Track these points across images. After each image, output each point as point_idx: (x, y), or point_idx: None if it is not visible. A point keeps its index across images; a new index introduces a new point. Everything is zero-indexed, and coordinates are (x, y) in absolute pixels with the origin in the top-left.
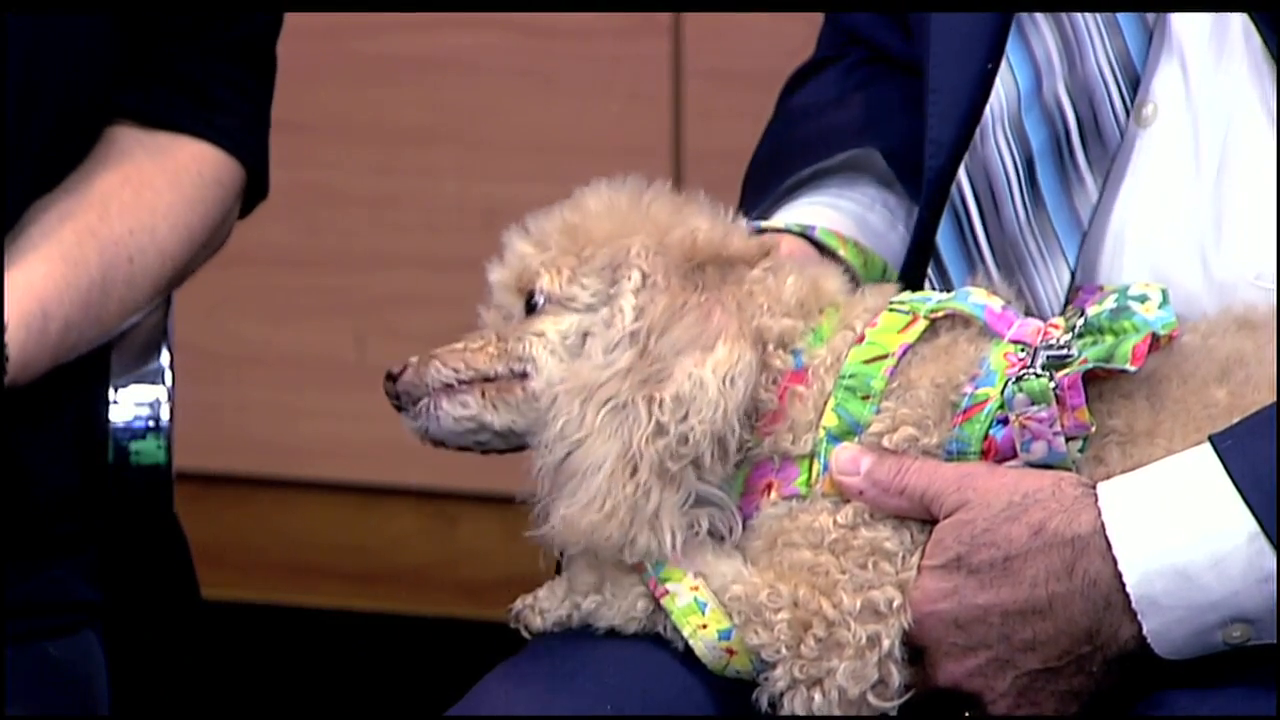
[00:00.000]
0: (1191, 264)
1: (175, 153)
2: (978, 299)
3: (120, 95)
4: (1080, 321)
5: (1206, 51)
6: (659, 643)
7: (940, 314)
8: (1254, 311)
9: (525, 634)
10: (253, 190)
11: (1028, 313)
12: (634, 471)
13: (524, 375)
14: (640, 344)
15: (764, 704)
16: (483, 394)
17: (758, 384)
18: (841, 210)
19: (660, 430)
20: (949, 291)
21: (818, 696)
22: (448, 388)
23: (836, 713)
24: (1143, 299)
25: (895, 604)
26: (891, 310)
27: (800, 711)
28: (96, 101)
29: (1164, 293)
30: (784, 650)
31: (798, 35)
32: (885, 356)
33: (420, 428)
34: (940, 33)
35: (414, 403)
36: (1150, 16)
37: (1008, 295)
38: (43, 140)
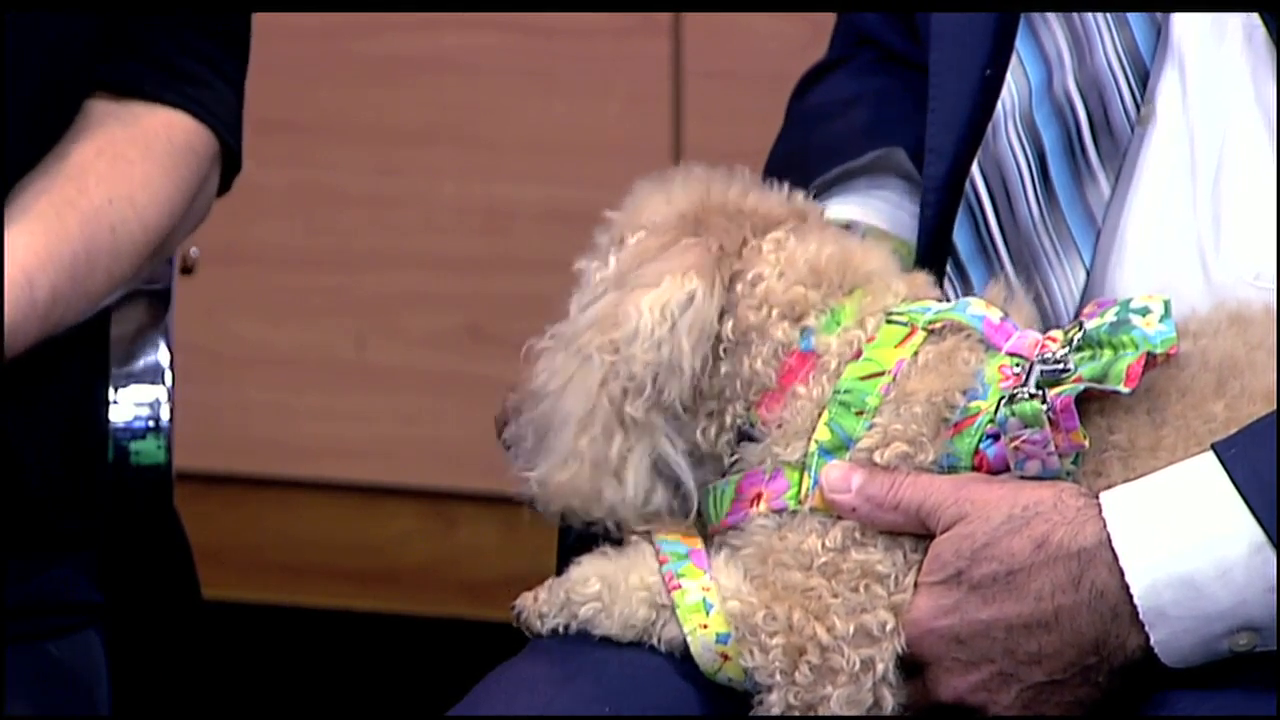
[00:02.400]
0: (1191, 266)
1: (145, 120)
2: (976, 310)
3: (95, 68)
4: (1079, 335)
5: (1204, 54)
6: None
7: (938, 325)
8: (1247, 308)
9: (527, 634)
10: (228, 167)
11: (1043, 316)
12: (592, 422)
13: None
14: (613, 290)
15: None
16: None
17: (754, 354)
18: (872, 208)
19: (614, 373)
20: (968, 290)
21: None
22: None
23: None
24: (1144, 311)
25: (888, 627)
26: (890, 322)
27: None
28: (77, 77)
29: (1166, 304)
30: (779, 676)
31: (798, 35)
32: (881, 374)
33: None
34: (939, 40)
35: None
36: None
37: (1010, 305)
38: (25, 118)
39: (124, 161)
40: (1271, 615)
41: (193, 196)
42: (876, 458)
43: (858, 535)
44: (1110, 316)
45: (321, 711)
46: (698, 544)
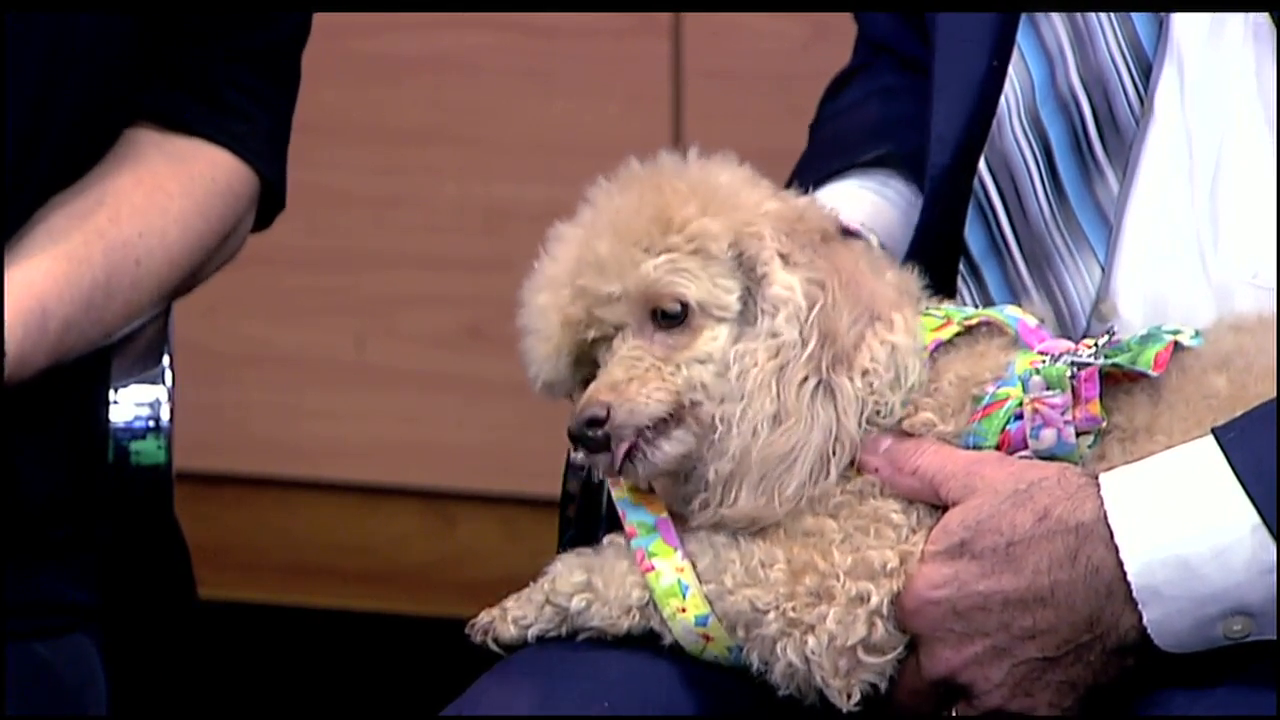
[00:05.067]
0: (1190, 264)
1: (191, 158)
2: (1014, 312)
3: (141, 96)
4: (1105, 339)
5: (1203, 52)
6: (655, 642)
7: (975, 321)
8: (1245, 319)
9: (494, 647)
10: (269, 202)
11: (1058, 314)
12: (836, 453)
13: (696, 404)
14: (820, 323)
15: (755, 661)
16: (696, 425)
17: None
18: (887, 200)
19: (861, 403)
20: (982, 288)
21: (811, 641)
22: (658, 426)
23: (826, 662)
24: (1175, 332)
25: (890, 567)
26: (927, 314)
27: (794, 658)
28: (116, 102)
29: (1196, 331)
30: (780, 592)
31: (798, 35)
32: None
33: (629, 468)
34: (945, 30)
35: (625, 442)
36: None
37: (1042, 313)
38: (59, 139)
39: (162, 195)
40: (1267, 600)
41: (225, 237)
42: (905, 425)
43: (878, 491)
44: (1141, 332)
45: (321, 711)
46: (663, 512)
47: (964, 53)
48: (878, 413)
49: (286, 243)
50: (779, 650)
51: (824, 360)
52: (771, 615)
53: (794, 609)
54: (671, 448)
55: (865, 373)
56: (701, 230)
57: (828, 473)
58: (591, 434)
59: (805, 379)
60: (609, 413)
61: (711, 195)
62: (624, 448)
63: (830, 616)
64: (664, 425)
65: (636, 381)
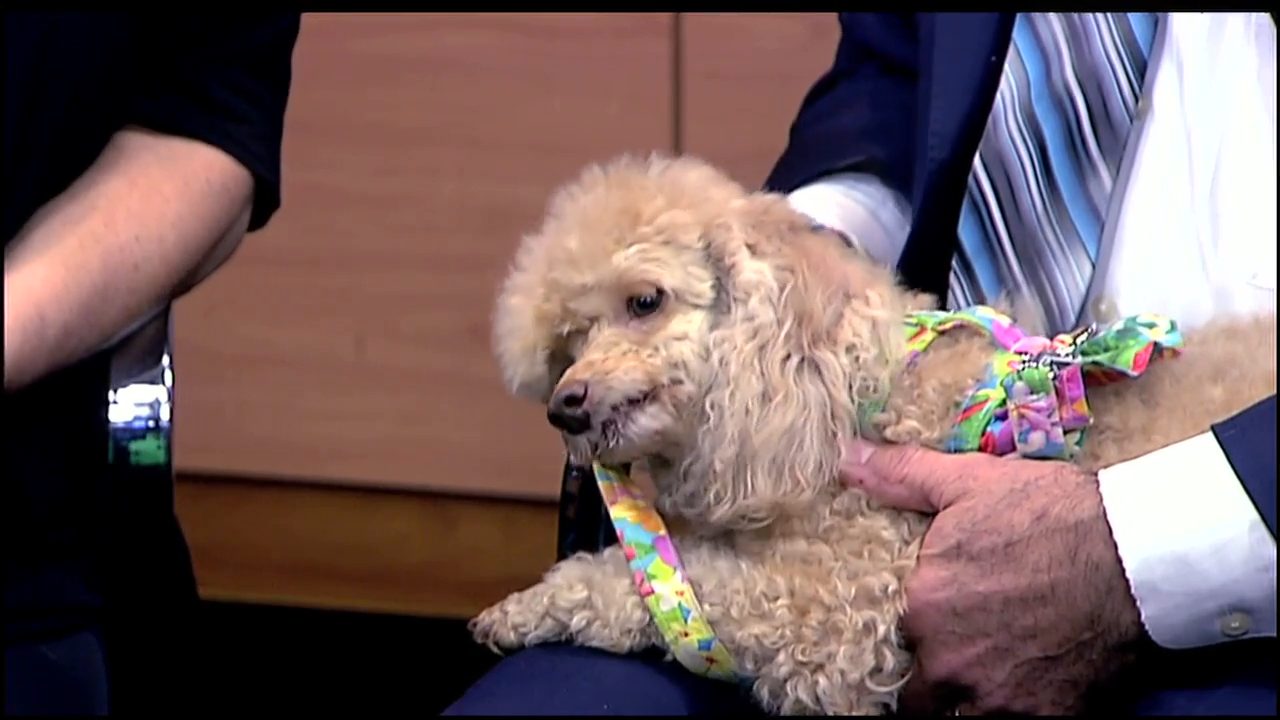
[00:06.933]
0: (1190, 263)
1: (185, 160)
2: (986, 313)
3: (132, 99)
4: (1084, 337)
5: (1203, 50)
6: (656, 647)
7: (948, 326)
8: (1239, 322)
9: (495, 649)
10: (265, 200)
11: (1048, 310)
12: (837, 429)
13: (677, 382)
14: (793, 303)
15: (765, 695)
16: (672, 403)
17: None
18: (855, 200)
19: (849, 378)
20: (974, 284)
21: (822, 680)
22: (635, 402)
23: (839, 699)
24: (1150, 325)
25: (890, 589)
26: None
27: (805, 697)
28: (106, 105)
29: (1172, 322)
30: (787, 633)
31: (798, 35)
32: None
33: (605, 445)
34: (945, 26)
35: (606, 421)
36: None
37: (1030, 310)
38: (48, 142)
39: (158, 198)
40: (1265, 597)
41: (221, 236)
42: (888, 434)
43: (865, 505)
44: (1118, 325)
45: (321, 711)
46: (661, 529)
47: (965, 49)
48: (868, 388)
49: (286, 243)
50: (788, 689)
51: (804, 338)
52: (781, 657)
53: (803, 651)
54: (647, 421)
55: (850, 348)
56: (671, 222)
57: (839, 452)
58: (571, 413)
59: (788, 356)
60: (586, 390)
61: (679, 192)
62: (600, 421)
63: (840, 655)
64: (640, 402)
65: (612, 360)
